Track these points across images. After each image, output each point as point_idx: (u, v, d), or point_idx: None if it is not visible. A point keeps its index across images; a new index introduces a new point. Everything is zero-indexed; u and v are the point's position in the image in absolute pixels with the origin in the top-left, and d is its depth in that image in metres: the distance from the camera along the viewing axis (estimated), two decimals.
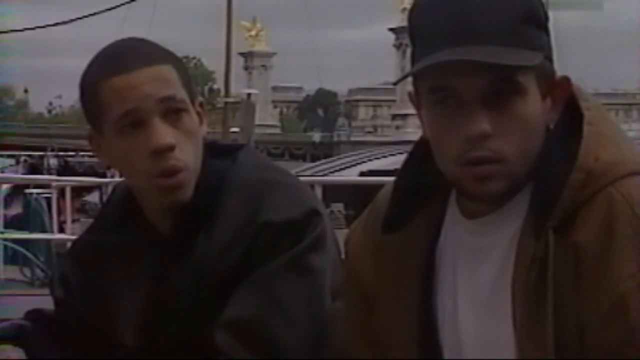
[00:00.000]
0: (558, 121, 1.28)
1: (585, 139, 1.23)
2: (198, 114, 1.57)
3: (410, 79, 1.32)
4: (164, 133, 1.49)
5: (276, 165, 1.66)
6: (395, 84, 1.29)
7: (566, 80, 1.29)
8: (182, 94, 1.53)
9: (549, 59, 1.28)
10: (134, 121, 1.50)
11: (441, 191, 1.36)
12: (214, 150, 1.60)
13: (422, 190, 1.37)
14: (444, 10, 1.23)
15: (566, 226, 1.21)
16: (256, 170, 1.58)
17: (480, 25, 1.21)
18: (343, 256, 1.51)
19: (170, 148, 1.50)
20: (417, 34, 1.28)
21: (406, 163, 1.40)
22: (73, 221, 9.34)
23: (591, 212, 1.21)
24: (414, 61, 1.28)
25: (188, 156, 1.52)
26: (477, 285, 1.29)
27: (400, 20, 69.28)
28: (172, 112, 1.51)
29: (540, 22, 1.27)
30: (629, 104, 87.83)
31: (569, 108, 1.28)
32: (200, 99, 1.60)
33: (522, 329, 1.22)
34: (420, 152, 1.37)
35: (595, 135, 1.24)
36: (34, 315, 1.67)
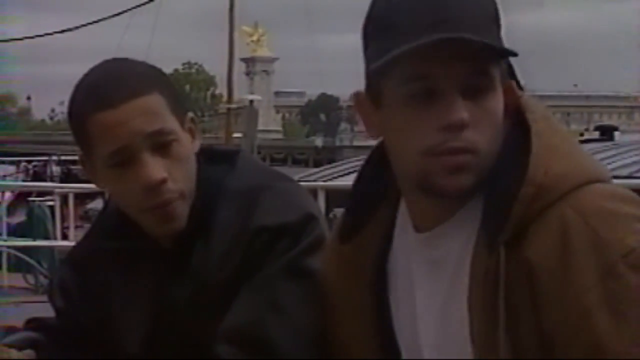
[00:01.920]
0: (508, 133, 1.26)
1: (535, 152, 1.21)
2: (190, 130, 1.56)
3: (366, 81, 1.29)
4: (154, 168, 1.48)
5: (272, 170, 1.65)
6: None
7: (512, 86, 1.29)
8: (170, 123, 1.51)
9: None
10: (123, 159, 1.49)
11: (391, 199, 1.37)
12: (210, 157, 1.59)
13: (375, 198, 1.38)
14: (418, 2, 1.23)
15: (518, 241, 1.19)
16: (252, 176, 1.57)
17: (456, 17, 1.21)
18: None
19: (162, 182, 1.49)
20: (386, 25, 1.25)
21: (362, 170, 1.40)
22: (76, 227, 9.34)
23: (543, 227, 1.19)
24: (377, 54, 1.25)
25: (181, 183, 1.52)
26: (434, 295, 1.30)
27: None
28: (161, 145, 1.50)
29: (500, 27, 1.28)
30: (631, 107, 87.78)
31: (519, 120, 1.27)
32: (191, 114, 1.58)
33: (479, 342, 1.22)
34: (376, 159, 1.38)
35: (544, 149, 1.22)
36: (36, 324, 1.66)
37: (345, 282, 1.40)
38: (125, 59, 1.58)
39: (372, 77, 1.27)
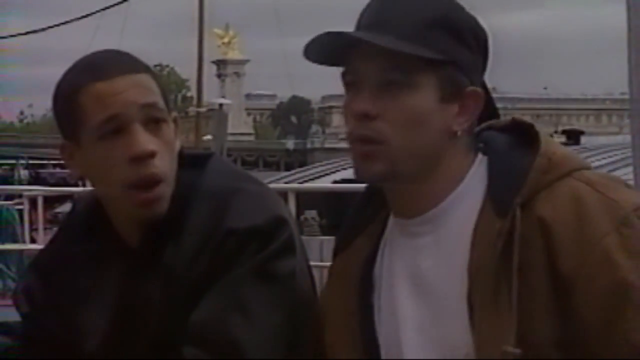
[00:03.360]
0: (500, 139, 1.42)
1: (543, 140, 1.38)
2: (173, 129, 1.57)
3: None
4: (145, 140, 1.49)
5: (244, 173, 1.66)
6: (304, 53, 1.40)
7: (475, 92, 1.39)
8: (162, 103, 1.54)
9: (461, 68, 1.38)
10: (115, 128, 1.49)
11: (383, 213, 1.47)
12: (183, 160, 1.59)
13: (366, 215, 1.50)
14: (371, 6, 1.40)
15: (530, 205, 1.32)
16: (223, 179, 1.58)
17: (391, 20, 1.36)
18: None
19: (152, 155, 1.49)
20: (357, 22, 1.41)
21: (362, 193, 1.52)
22: (45, 229, 9.26)
23: (554, 195, 1.33)
24: None
25: (166, 167, 1.52)
26: (415, 284, 1.38)
27: None
28: (152, 120, 1.51)
29: (452, 31, 1.37)
30: (599, 109, 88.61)
31: (514, 128, 1.43)
32: (175, 114, 1.60)
33: (481, 303, 1.30)
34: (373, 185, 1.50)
35: (547, 138, 1.39)
36: (2, 329, 1.65)
37: (333, 289, 1.49)
38: (118, 49, 1.60)
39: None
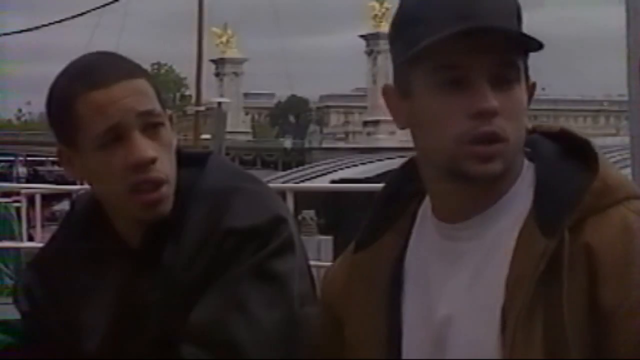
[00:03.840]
0: (548, 146, 1.36)
1: (600, 158, 1.32)
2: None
3: (383, 78, 1.35)
4: (145, 147, 1.48)
5: (243, 172, 1.66)
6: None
7: (534, 84, 1.35)
8: (159, 107, 1.53)
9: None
10: (114, 136, 1.48)
11: (411, 210, 1.42)
12: (181, 159, 1.59)
13: (394, 211, 1.43)
14: (443, 1, 1.29)
15: (578, 228, 1.28)
16: (222, 178, 1.57)
17: (482, 10, 1.28)
18: (319, 286, 1.52)
19: (153, 161, 1.49)
20: (416, 17, 1.31)
21: (387, 184, 1.45)
22: (43, 226, 9.26)
23: (604, 221, 1.28)
24: (406, 46, 1.30)
25: (167, 168, 1.52)
26: (453, 288, 1.33)
27: (371, 27, 69.53)
28: (151, 125, 1.51)
29: (521, 22, 1.33)
30: (597, 111, 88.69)
31: (560, 138, 1.37)
32: (170, 112, 1.59)
33: (514, 321, 1.26)
34: (402, 175, 1.43)
35: (604, 158, 1.33)
36: (1, 327, 1.65)
37: (355, 290, 1.42)
38: (112, 52, 1.59)
39: (401, 68, 1.33)
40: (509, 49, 1.28)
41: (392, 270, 1.39)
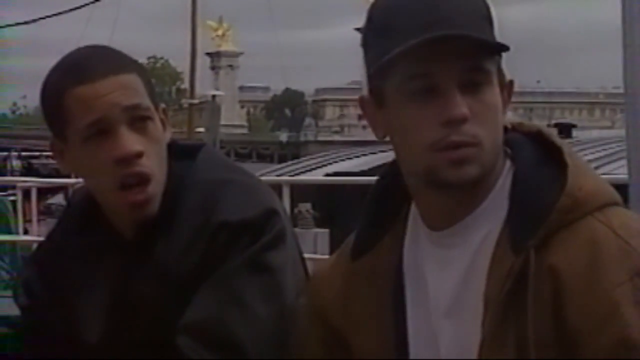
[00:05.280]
0: (527, 149, 1.34)
1: (571, 170, 1.30)
2: (161, 120, 1.56)
3: (365, 84, 1.35)
4: (131, 141, 1.49)
5: (234, 165, 1.66)
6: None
7: (512, 82, 1.35)
8: (147, 101, 1.53)
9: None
10: (100, 130, 1.49)
11: (404, 211, 1.41)
12: (174, 151, 1.59)
13: (388, 213, 1.42)
14: (415, 4, 1.29)
15: (544, 247, 1.26)
16: (213, 171, 1.58)
17: (450, 17, 1.27)
18: (308, 293, 1.50)
19: (138, 155, 1.49)
20: (384, 27, 1.31)
21: (375, 187, 1.44)
22: (38, 220, 9.25)
23: (572, 237, 1.26)
24: (377, 57, 1.29)
25: (154, 164, 1.52)
26: (445, 294, 1.33)
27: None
28: (138, 120, 1.51)
29: (492, 21, 1.33)
30: (592, 103, 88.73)
31: (537, 140, 1.35)
32: (163, 105, 1.60)
33: (489, 334, 1.26)
34: (390, 174, 1.42)
35: (575, 167, 1.31)
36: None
37: (357, 298, 1.41)
38: (105, 45, 1.59)
39: (374, 78, 1.33)
40: (476, 54, 1.28)
41: (394, 275, 1.39)
